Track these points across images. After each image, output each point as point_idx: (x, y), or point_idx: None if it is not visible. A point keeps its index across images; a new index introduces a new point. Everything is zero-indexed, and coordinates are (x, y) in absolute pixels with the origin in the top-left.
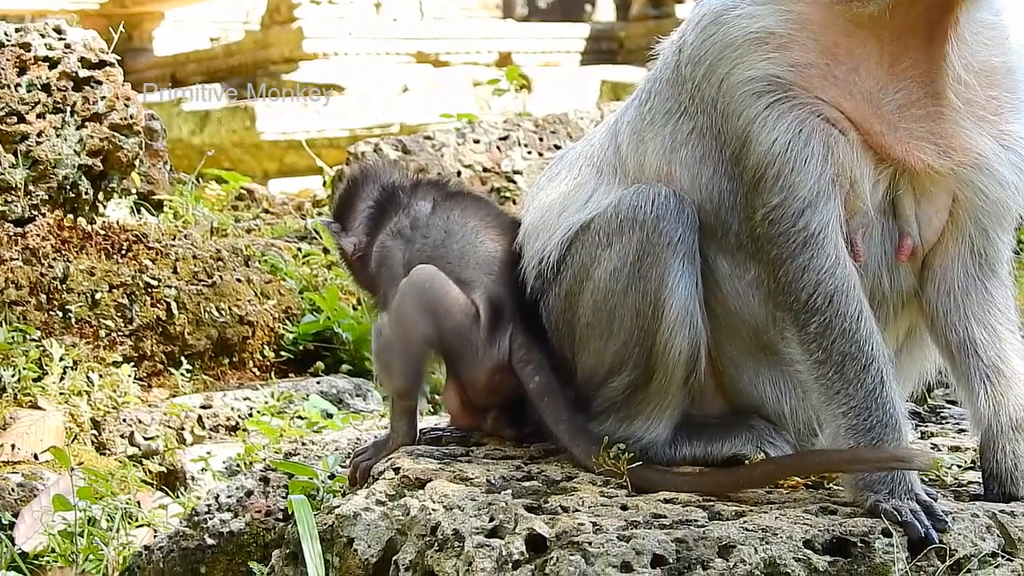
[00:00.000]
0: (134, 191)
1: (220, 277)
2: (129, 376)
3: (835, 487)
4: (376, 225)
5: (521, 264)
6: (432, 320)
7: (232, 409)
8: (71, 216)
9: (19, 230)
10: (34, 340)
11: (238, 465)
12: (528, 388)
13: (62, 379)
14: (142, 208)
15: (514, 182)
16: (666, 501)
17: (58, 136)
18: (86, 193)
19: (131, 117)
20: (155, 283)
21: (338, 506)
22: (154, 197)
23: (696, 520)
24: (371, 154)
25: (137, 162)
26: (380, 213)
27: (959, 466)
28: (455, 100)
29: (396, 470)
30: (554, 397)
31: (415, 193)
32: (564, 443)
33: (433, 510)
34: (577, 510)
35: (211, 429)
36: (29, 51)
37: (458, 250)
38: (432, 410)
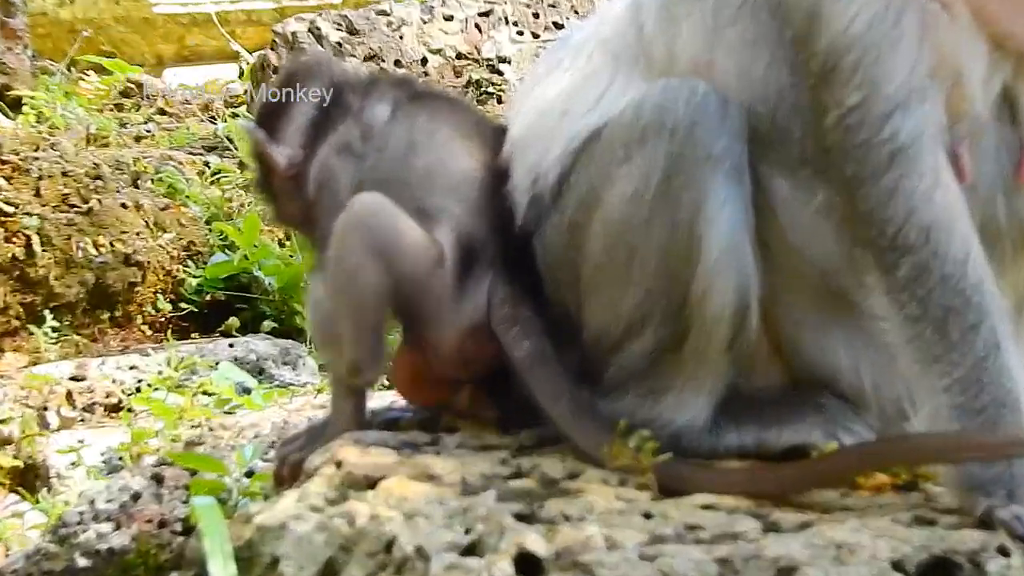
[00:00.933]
0: None
1: (99, 202)
2: None
3: (934, 488)
4: (317, 135)
5: (508, 187)
6: (383, 266)
7: (114, 382)
8: None
9: None
10: None
11: (121, 459)
12: (514, 356)
13: None
14: None
15: (499, 73)
16: (705, 507)
17: None
18: None
19: None
20: (10, 210)
21: (258, 513)
22: (10, 93)
23: (745, 533)
24: (305, 35)
25: None
26: (322, 119)
27: None
28: None
29: (338, 464)
30: (549, 367)
31: (369, 94)
32: (564, 428)
33: (388, 519)
34: (583, 519)
35: (84, 409)
36: None
37: (423, 169)
38: (387, 383)
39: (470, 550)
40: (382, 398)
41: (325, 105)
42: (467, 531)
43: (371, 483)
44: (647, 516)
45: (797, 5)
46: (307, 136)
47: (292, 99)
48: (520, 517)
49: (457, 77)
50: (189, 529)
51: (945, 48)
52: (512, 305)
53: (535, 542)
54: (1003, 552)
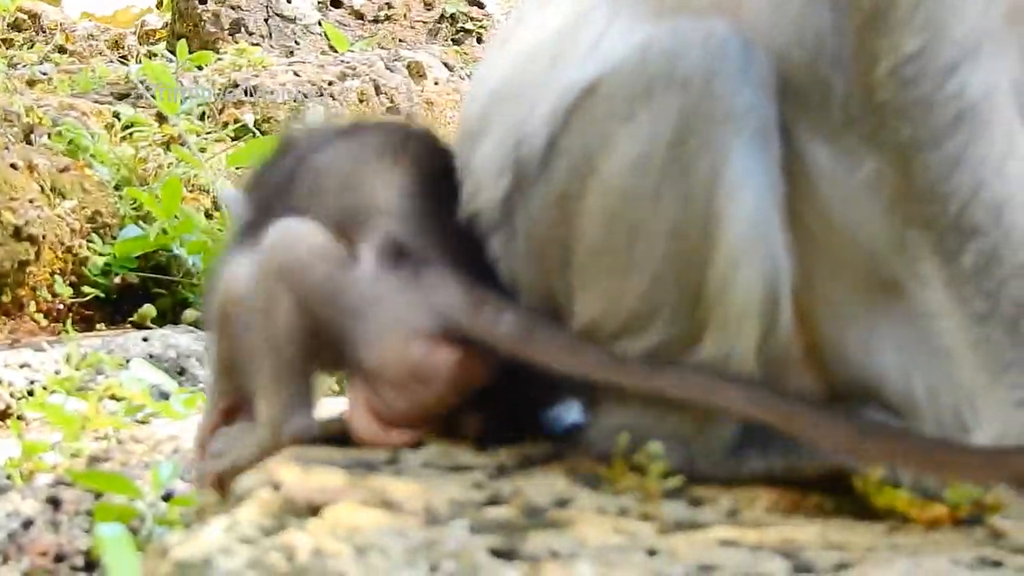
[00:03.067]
0: None
1: None
2: None
3: (1003, 522)
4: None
5: (479, 153)
6: (291, 288)
7: (2, 382)
8: None
9: None
10: None
11: (9, 477)
12: (497, 338)
13: None
14: None
15: (480, 5)
16: (722, 543)
17: None
18: None
19: None
20: None
21: (177, 545)
22: None
23: (772, 574)
24: None
25: None
26: (283, 180)
27: None
28: None
29: (275, 487)
30: (548, 328)
31: (311, 139)
32: (601, 377)
33: (335, 554)
34: (574, 556)
35: None
36: None
37: (335, 188)
38: (338, 388)
39: None
40: (330, 406)
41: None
42: (432, 570)
43: (315, 510)
44: (651, 553)
45: None
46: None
47: (269, 167)
48: (497, 554)
49: (427, 10)
50: (92, 564)
51: None
52: (476, 290)
53: None
54: None
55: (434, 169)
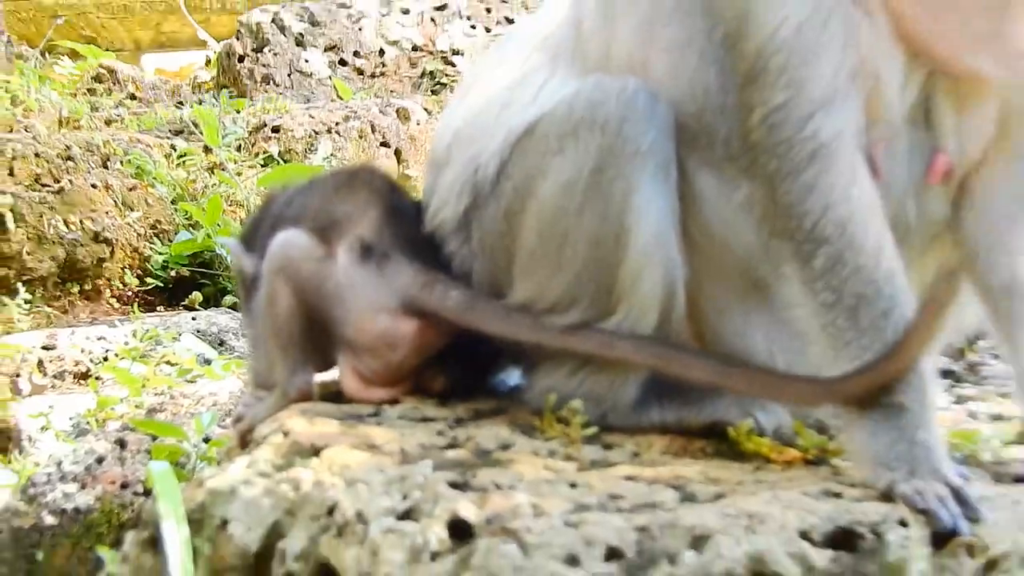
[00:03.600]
0: None
1: (70, 182)
2: None
3: (841, 463)
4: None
5: (443, 178)
6: (288, 278)
7: (82, 351)
8: None
9: None
10: None
11: (88, 423)
12: (446, 311)
13: None
14: None
15: (452, 64)
16: (627, 478)
17: None
18: None
19: None
20: None
21: (210, 478)
22: None
23: (664, 503)
24: (268, 26)
25: None
26: (281, 208)
27: (1000, 441)
28: None
29: (285, 433)
30: (485, 302)
31: (292, 188)
32: (528, 338)
33: (331, 486)
34: (513, 488)
35: (55, 376)
36: None
37: (316, 208)
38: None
39: (407, 515)
40: (327, 372)
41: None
42: (404, 497)
43: (316, 451)
44: (572, 486)
45: (729, 8)
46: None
47: (262, 216)
48: (454, 485)
49: (412, 68)
50: (149, 491)
51: (866, 54)
52: (426, 276)
53: (467, 509)
54: (903, 524)
55: (389, 195)
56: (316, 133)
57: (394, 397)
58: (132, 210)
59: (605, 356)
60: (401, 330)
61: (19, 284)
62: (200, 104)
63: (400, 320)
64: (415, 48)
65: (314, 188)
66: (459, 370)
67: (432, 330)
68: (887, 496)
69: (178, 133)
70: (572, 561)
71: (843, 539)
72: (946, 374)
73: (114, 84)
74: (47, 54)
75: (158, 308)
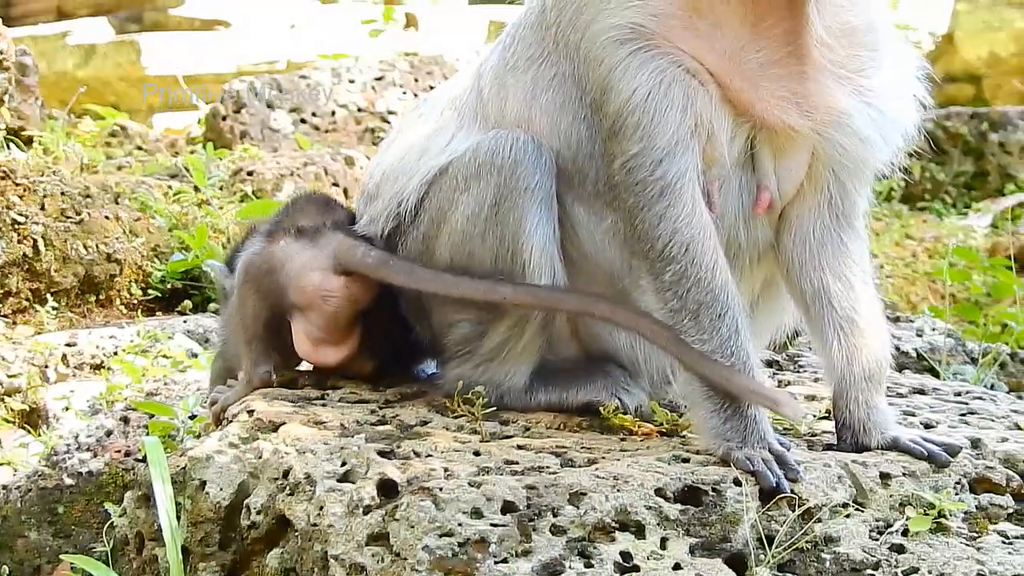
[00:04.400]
0: (3, 127)
1: (88, 214)
2: None
3: (688, 435)
4: None
5: (373, 207)
6: (252, 282)
7: (97, 347)
8: None
9: None
10: None
11: (100, 404)
12: (367, 267)
13: None
14: (11, 144)
15: (388, 122)
16: (519, 447)
17: None
18: None
19: (0, 52)
20: (22, 220)
21: (191, 448)
22: (24, 133)
23: (548, 467)
24: (246, 92)
25: (6, 97)
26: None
27: (814, 415)
28: (343, 38)
29: (250, 413)
30: (397, 261)
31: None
32: (429, 287)
33: (285, 453)
34: (430, 455)
35: (75, 367)
36: None
37: (271, 220)
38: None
39: (345, 477)
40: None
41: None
42: (343, 463)
43: (274, 427)
44: (476, 454)
45: (593, 79)
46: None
47: (239, 247)
48: (382, 454)
49: (357, 125)
50: (145, 458)
51: (702, 113)
52: (352, 244)
53: (393, 472)
54: (737, 483)
55: (327, 202)
56: (282, 176)
57: (339, 361)
58: (137, 236)
59: (490, 299)
60: (332, 283)
61: (48, 295)
62: (192, 153)
63: (332, 276)
64: (360, 110)
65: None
66: (387, 357)
67: (357, 284)
68: (725, 461)
69: (174, 176)
70: (476, 513)
71: (690, 495)
72: (770, 363)
73: (125, 138)
74: (73, 115)
75: (157, 313)
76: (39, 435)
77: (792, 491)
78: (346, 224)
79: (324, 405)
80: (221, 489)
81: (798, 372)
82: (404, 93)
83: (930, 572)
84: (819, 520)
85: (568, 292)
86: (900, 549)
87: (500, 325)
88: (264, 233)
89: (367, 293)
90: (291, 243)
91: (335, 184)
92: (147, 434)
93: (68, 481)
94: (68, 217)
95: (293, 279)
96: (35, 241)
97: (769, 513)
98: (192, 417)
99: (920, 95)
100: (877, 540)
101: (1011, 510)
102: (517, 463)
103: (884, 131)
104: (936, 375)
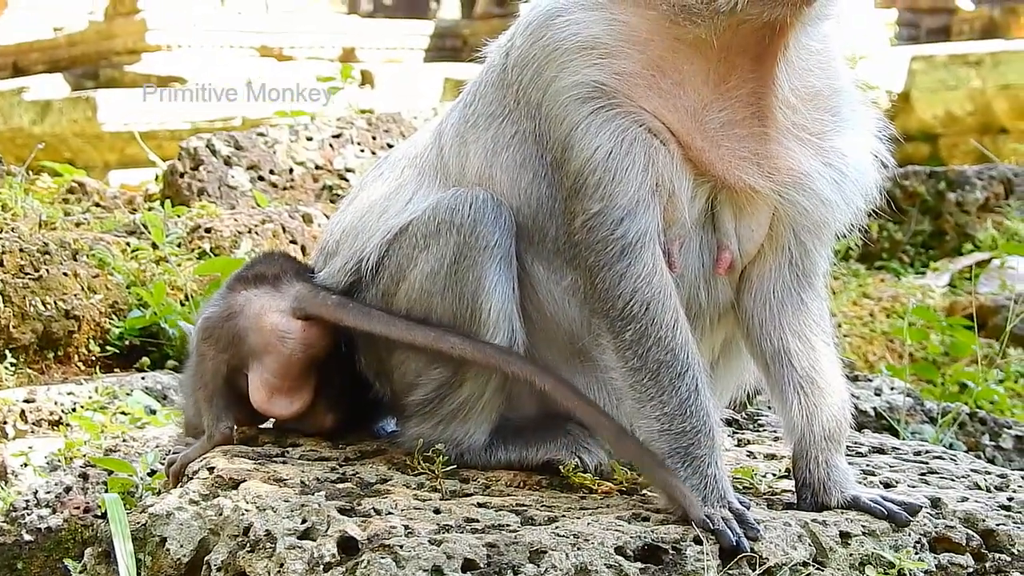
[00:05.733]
0: None
1: (47, 271)
2: None
3: (649, 493)
4: None
5: (333, 264)
6: (209, 339)
7: (55, 403)
8: None
9: None
10: None
11: (59, 461)
12: (326, 312)
13: None
14: None
15: (346, 180)
16: (480, 505)
17: None
18: None
19: None
20: None
21: (152, 505)
22: None
23: (508, 525)
24: (203, 149)
25: None
26: None
27: (773, 475)
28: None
29: (211, 469)
30: (354, 305)
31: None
32: (383, 332)
33: (246, 511)
34: (390, 513)
35: (34, 423)
36: None
37: (232, 278)
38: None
39: (306, 535)
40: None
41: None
42: (303, 520)
43: (235, 484)
44: (437, 512)
45: (555, 137)
46: None
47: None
48: (343, 511)
49: (315, 183)
50: (105, 515)
51: (663, 174)
52: (313, 291)
53: (353, 529)
54: (697, 541)
55: (285, 257)
56: (240, 233)
57: (292, 412)
58: (95, 293)
59: (439, 348)
60: (291, 325)
61: (6, 351)
62: (149, 210)
63: (289, 319)
64: (317, 167)
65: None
66: (345, 413)
67: (315, 329)
68: (685, 519)
69: (132, 233)
70: (437, 571)
71: (651, 553)
72: (730, 422)
73: (83, 195)
74: (31, 171)
75: (115, 370)
76: None
77: (752, 550)
78: (306, 275)
79: (285, 462)
80: (182, 546)
81: (758, 431)
82: (362, 150)
83: None
84: None
85: (517, 356)
86: None
87: (462, 386)
88: (224, 287)
89: (324, 339)
90: (251, 290)
91: (293, 241)
92: (106, 490)
93: (27, 537)
94: (27, 273)
95: (252, 320)
96: None
97: (729, 572)
98: (151, 473)
99: (881, 155)
100: None
101: (971, 569)
102: (478, 521)
103: (846, 192)
104: (895, 434)
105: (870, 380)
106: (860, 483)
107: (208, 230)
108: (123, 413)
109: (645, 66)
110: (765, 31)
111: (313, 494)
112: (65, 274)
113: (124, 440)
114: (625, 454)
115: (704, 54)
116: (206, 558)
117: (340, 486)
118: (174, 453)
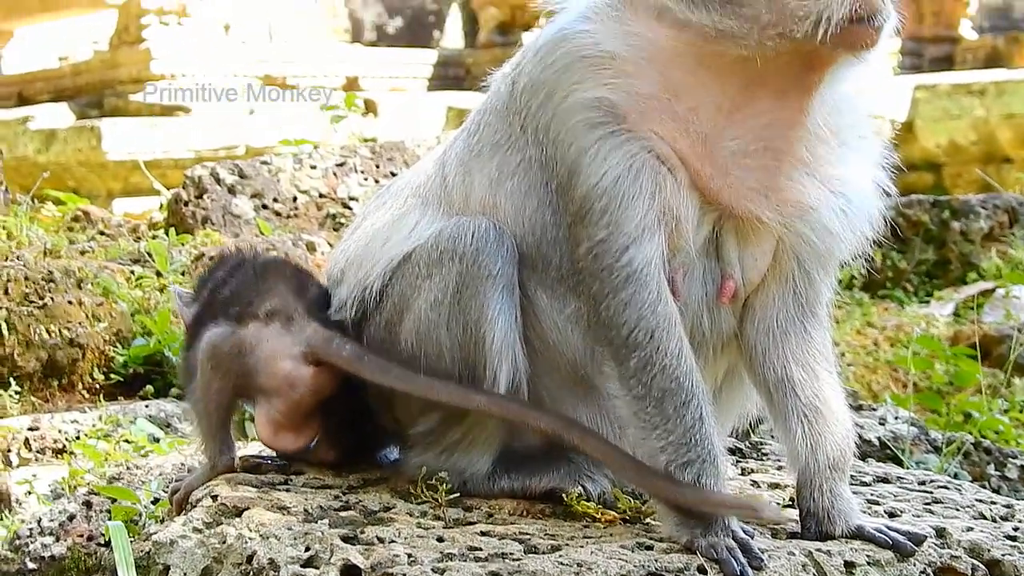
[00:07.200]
0: None
1: (51, 299)
2: None
3: (652, 522)
4: (210, 301)
5: (338, 293)
6: (217, 367)
7: (59, 431)
8: None
9: None
10: None
11: (63, 489)
12: (341, 360)
13: None
14: None
15: (349, 208)
16: (482, 534)
17: None
18: None
19: None
20: None
21: (155, 533)
22: None
23: (512, 553)
24: (208, 178)
25: None
26: (214, 293)
27: (778, 503)
28: (302, 124)
29: (214, 497)
30: (370, 358)
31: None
32: (402, 387)
33: (249, 539)
34: (393, 541)
35: (38, 451)
36: None
37: (236, 295)
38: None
39: (309, 563)
40: (249, 448)
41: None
42: (307, 549)
43: (238, 512)
44: (440, 540)
45: (562, 162)
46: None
47: (212, 274)
48: (346, 539)
49: (319, 211)
50: (108, 543)
51: (670, 201)
52: (326, 335)
53: (357, 558)
54: (701, 571)
55: (297, 277)
56: None
57: (297, 448)
58: (100, 321)
59: (463, 405)
60: (301, 373)
61: (11, 379)
62: (154, 239)
63: (301, 365)
64: (321, 195)
65: (239, 274)
66: (349, 446)
67: (326, 375)
68: (688, 548)
69: (136, 261)
70: None
71: None
72: (734, 451)
73: (88, 223)
74: (36, 200)
75: (119, 398)
76: (1, 519)
77: None
78: (319, 306)
79: (288, 490)
80: (185, 574)
81: (761, 460)
82: (365, 179)
83: None
84: None
85: (542, 410)
86: None
87: (465, 417)
88: (233, 317)
89: (334, 383)
90: (262, 328)
91: None
92: (110, 518)
93: (31, 565)
94: (31, 301)
95: (263, 364)
96: None
97: None
98: (155, 501)
99: (885, 184)
100: None
101: None
102: (480, 549)
103: (851, 223)
104: (900, 464)
105: (874, 409)
106: (864, 512)
107: (212, 258)
108: (127, 441)
109: (662, 88)
110: (801, 64)
111: (316, 522)
112: (70, 302)
113: (128, 468)
114: (663, 495)
115: (723, 81)
116: None
117: (343, 514)
118: (177, 481)
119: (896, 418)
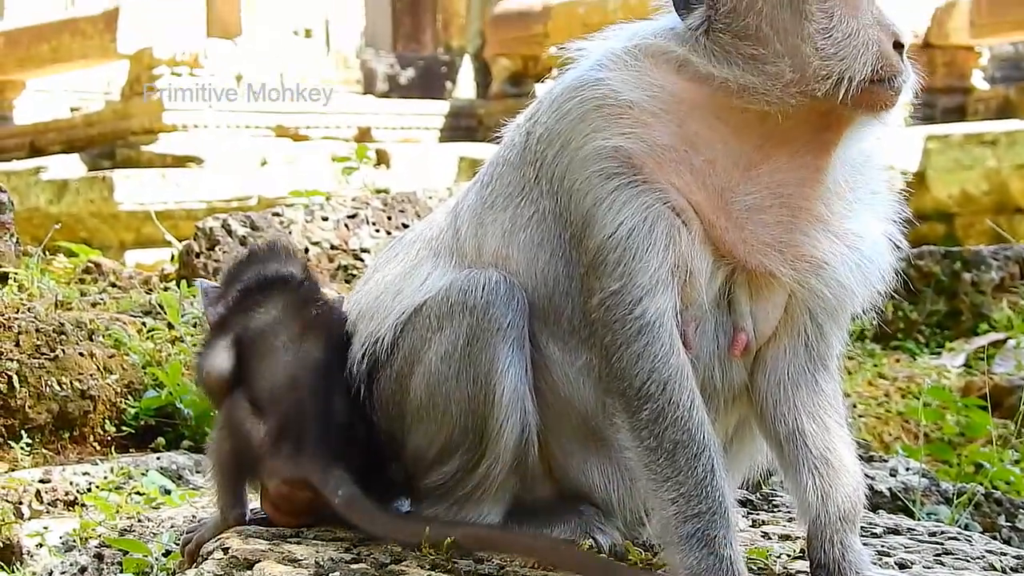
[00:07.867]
0: None
1: (63, 351)
2: None
3: (663, 574)
4: (236, 309)
5: (348, 356)
6: (227, 436)
7: (71, 484)
8: None
9: None
10: None
11: (74, 541)
12: (334, 503)
13: None
14: None
15: (361, 260)
16: None
17: None
18: None
19: None
20: None
21: None
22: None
23: None
24: (219, 230)
25: None
26: (243, 298)
27: (788, 555)
28: (314, 175)
29: (225, 550)
30: (361, 504)
31: (266, 295)
32: (387, 537)
33: None
34: None
35: (49, 504)
36: None
37: (265, 370)
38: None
39: None
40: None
41: (247, 289)
42: None
43: (249, 564)
44: None
45: (576, 213)
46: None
47: (242, 273)
48: None
49: (330, 263)
50: None
51: (683, 253)
52: (325, 470)
53: None
54: None
55: (316, 366)
56: None
57: (300, 525)
58: (111, 373)
59: (467, 546)
60: (300, 497)
61: (22, 431)
62: (165, 290)
63: (300, 491)
64: (332, 247)
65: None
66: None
67: (323, 500)
68: None
69: (147, 313)
70: None
71: None
72: (744, 503)
73: (99, 275)
74: (47, 251)
75: (130, 450)
76: (12, 572)
77: None
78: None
79: (299, 542)
80: None
81: (772, 512)
82: (377, 230)
83: None
84: None
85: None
86: None
87: (476, 468)
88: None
89: (328, 507)
90: (273, 442)
91: None
92: (121, 571)
93: None
94: (43, 353)
95: (265, 475)
96: (10, 378)
97: None
98: (166, 554)
99: (896, 237)
100: None
101: None
102: None
103: (865, 277)
104: (911, 515)
105: (885, 461)
106: (875, 564)
107: None
108: (138, 493)
109: (680, 140)
110: (820, 122)
111: (328, 575)
112: (81, 354)
113: (139, 520)
114: None
115: (742, 136)
116: None
117: (354, 566)
118: (189, 533)
119: (907, 469)
